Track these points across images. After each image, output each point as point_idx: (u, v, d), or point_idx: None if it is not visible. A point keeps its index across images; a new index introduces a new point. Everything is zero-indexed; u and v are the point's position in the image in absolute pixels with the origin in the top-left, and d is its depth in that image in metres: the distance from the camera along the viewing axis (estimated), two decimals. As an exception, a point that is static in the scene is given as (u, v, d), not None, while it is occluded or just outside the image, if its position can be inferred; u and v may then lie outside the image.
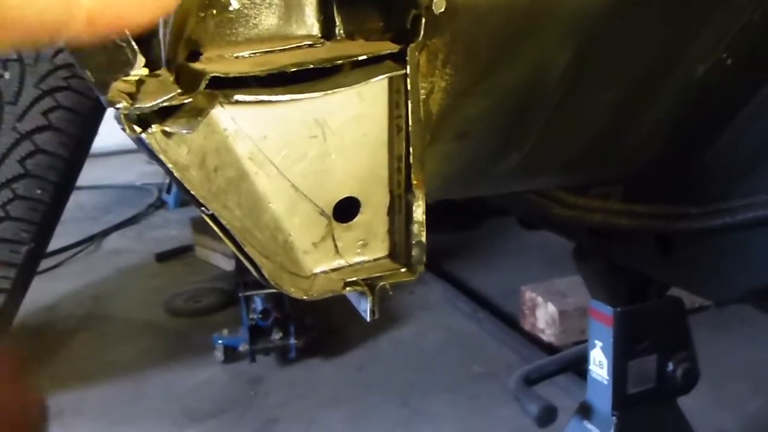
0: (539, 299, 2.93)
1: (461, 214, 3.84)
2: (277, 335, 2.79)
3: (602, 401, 1.30)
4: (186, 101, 0.49)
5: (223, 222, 0.53)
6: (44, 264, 3.45)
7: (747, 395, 2.41)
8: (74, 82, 2.36)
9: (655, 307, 1.26)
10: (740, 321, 2.81)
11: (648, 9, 0.72)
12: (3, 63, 2.26)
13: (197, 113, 0.50)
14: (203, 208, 0.52)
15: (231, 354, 2.88)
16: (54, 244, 3.23)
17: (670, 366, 1.28)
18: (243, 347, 2.79)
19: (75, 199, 2.86)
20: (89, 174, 3.67)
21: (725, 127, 0.90)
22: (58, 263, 4.13)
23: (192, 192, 0.51)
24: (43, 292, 3.54)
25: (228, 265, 3.81)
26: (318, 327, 2.92)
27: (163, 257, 4.20)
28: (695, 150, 0.92)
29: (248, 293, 2.86)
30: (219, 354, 2.90)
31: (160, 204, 5.34)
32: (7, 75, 2.24)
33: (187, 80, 0.50)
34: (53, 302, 3.60)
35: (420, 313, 3.24)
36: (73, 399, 2.72)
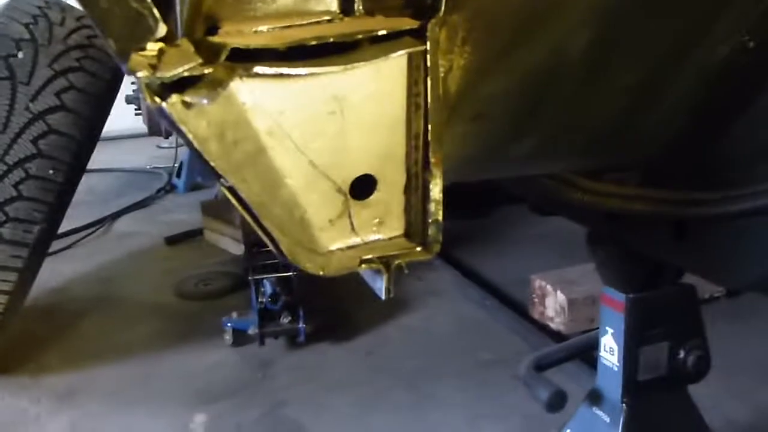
0: (549, 288, 2.93)
1: (472, 202, 3.83)
2: (286, 319, 2.80)
3: (612, 388, 1.29)
4: (206, 72, 0.49)
5: (242, 195, 0.52)
6: (55, 245, 3.47)
7: (758, 386, 2.40)
8: (87, 63, 2.37)
9: (667, 294, 1.25)
10: (752, 312, 2.80)
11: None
12: (16, 43, 2.27)
13: (217, 84, 0.50)
14: (222, 180, 0.52)
15: (240, 337, 2.90)
16: (65, 227, 3.25)
17: (682, 354, 1.27)
18: (252, 330, 2.80)
19: (86, 183, 2.87)
20: (100, 157, 3.68)
21: (744, 111, 0.89)
22: (68, 245, 4.15)
23: (211, 163, 0.51)
24: (54, 273, 3.57)
25: (237, 249, 3.82)
26: (327, 311, 2.92)
27: (172, 240, 4.22)
28: (713, 134, 0.91)
29: (258, 277, 2.86)
30: (228, 337, 2.91)
31: (169, 188, 5.36)
32: (20, 55, 2.24)
33: (207, 52, 0.50)
34: (64, 284, 3.62)
35: (429, 299, 3.24)
36: (84, 379, 2.74)
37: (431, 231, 0.61)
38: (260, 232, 0.54)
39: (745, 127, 0.88)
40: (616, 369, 1.27)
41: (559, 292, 2.87)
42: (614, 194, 1.01)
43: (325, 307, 2.93)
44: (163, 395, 2.63)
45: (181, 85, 0.48)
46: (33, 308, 3.11)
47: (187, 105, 0.48)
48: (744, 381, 2.40)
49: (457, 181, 0.87)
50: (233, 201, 0.52)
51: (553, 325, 2.91)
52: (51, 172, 2.30)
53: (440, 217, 0.61)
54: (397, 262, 0.62)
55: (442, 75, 0.62)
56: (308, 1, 0.59)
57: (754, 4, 0.77)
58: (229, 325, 2.90)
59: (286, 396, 2.56)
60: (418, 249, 0.63)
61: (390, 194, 0.63)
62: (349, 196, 0.61)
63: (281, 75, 0.52)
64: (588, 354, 1.46)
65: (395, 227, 0.64)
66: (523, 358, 1.52)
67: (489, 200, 3.92)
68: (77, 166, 2.46)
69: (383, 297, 0.63)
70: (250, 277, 2.89)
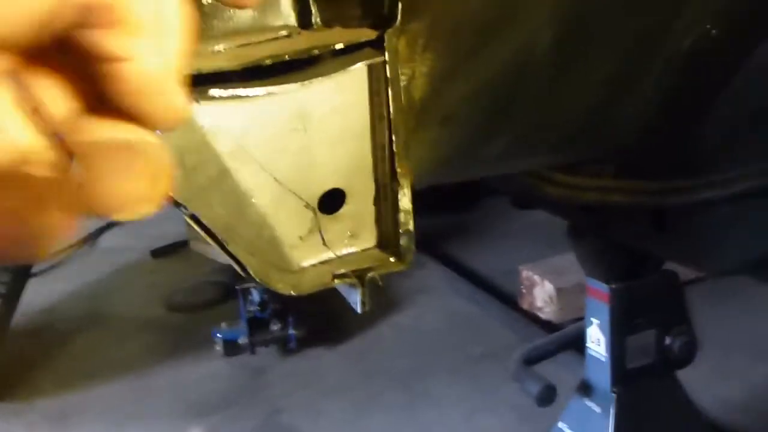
0: (536, 278, 2.93)
1: (456, 196, 3.83)
2: (276, 326, 2.79)
3: (601, 378, 1.29)
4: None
5: (204, 221, 0.52)
6: (40, 265, 3.43)
7: (750, 364, 2.42)
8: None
9: (650, 282, 1.26)
10: (738, 290, 2.81)
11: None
12: None
13: (172, 111, 0.49)
14: (182, 209, 0.51)
15: (231, 347, 2.88)
16: (49, 246, 3.21)
17: (668, 340, 1.28)
18: (242, 340, 2.78)
19: (67, 200, 2.83)
20: (81, 173, 3.63)
21: (714, 99, 0.89)
22: (53, 264, 4.12)
23: (170, 192, 0.50)
24: (41, 294, 3.53)
25: (224, 259, 3.79)
26: (317, 316, 2.91)
27: (159, 253, 4.18)
28: (685, 123, 0.91)
29: (245, 285, 2.85)
30: (219, 348, 2.90)
31: (153, 200, 5.32)
32: None
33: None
34: (51, 304, 3.59)
35: (419, 296, 3.24)
36: (77, 400, 2.72)
37: (403, 241, 0.61)
38: (228, 257, 0.53)
39: (715, 114, 0.88)
40: (603, 359, 1.28)
41: (547, 282, 2.88)
42: (591, 187, 1.01)
43: (315, 312, 2.92)
44: (157, 410, 2.62)
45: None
46: (22, 331, 3.08)
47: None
48: (734, 361, 2.42)
49: (432, 184, 0.87)
50: (197, 228, 0.52)
51: (543, 315, 2.92)
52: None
53: (411, 227, 0.61)
54: (371, 274, 0.61)
55: (404, 83, 0.62)
56: (266, 16, 0.59)
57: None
58: (219, 335, 2.88)
59: (281, 404, 2.55)
60: (392, 260, 0.63)
61: (360, 206, 0.62)
62: (318, 211, 0.60)
63: (239, 96, 0.52)
64: (578, 344, 1.47)
65: (368, 239, 0.64)
66: (514, 350, 1.53)
67: (473, 194, 3.92)
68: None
69: (359, 311, 0.62)
70: (237, 286, 2.87)
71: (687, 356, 1.29)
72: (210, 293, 3.49)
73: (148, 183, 0.29)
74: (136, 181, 0.28)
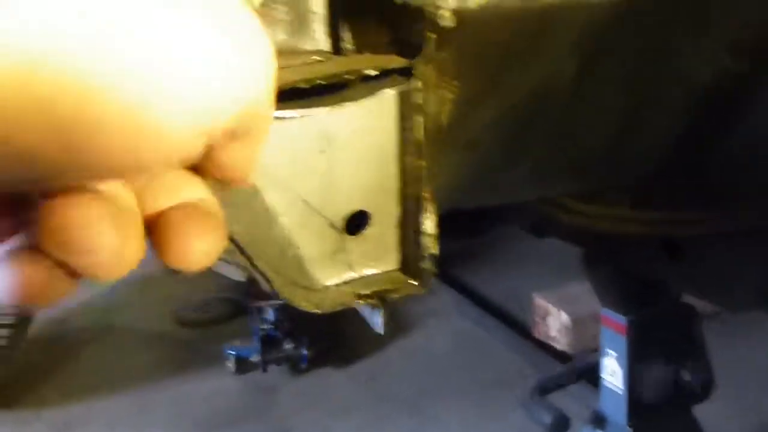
0: (551, 307, 2.92)
1: (471, 221, 3.83)
2: (288, 345, 2.79)
3: (617, 411, 1.29)
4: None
5: (235, 237, 0.53)
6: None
7: (767, 402, 2.39)
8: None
9: (668, 315, 1.25)
10: (755, 326, 2.79)
11: (652, 15, 0.73)
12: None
13: (208, 131, 0.50)
14: (215, 224, 0.52)
15: (243, 364, 2.89)
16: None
17: (685, 374, 1.27)
18: (255, 357, 2.79)
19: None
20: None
21: (733, 130, 0.89)
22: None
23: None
24: (54, 305, 3.55)
25: (238, 276, 3.82)
26: (329, 336, 2.92)
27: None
28: (703, 154, 0.92)
29: (259, 303, 2.86)
30: (230, 364, 2.90)
31: (169, 215, 5.36)
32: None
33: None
34: (63, 315, 3.62)
35: (430, 320, 3.24)
36: (83, 411, 2.73)
37: (426, 264, 0.62)
38: (255, 273, 0.54)
39: (733, 146, 0.89)
40: (620, 392, 1.27)
41: (562, 312, 2.86)
42: (606, 216, 1.02)
43: (327, 332, 2.92)
44: (165, 425, 2.62)
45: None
46: (34, 340, 3.10)
47: (178, 151, 0.49)
48: (751, 397, 2.39)
49: (451, 208, 0.88)
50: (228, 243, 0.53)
51: (557, 345, 2.90)
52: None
53: (435, 251, 0.62)
54: (392, 296, 0.62)
55: (431, 109, 0.63)
56: (298, 40, 0.61)
57: (733, 28, 0.78)
58: (231, 352, 2.89)
59: (290, 422, 2.55)
60: (414, 282, 0.63)
61: (384, 229, 0.63)
62: (343, 231, 0.61)
63: (273, 118, 0.53)
64: (592, 375, 1.46)
65: (390, 261, 0.64)
66: (525, 378, 1.52)
67: (487, 219, 3.92)
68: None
69: (381, 331, 0.63)
70: (251, 304, 2.89)
71: (704, 391, 1.28)
72: (220, 310, 3.50)
73: (215, 236, 0.32)
74: (206, 236, 0.32)
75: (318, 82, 0.53)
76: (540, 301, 2.97)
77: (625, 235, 1.03)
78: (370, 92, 0.57)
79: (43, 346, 3.25)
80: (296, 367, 2.85)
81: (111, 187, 0.29)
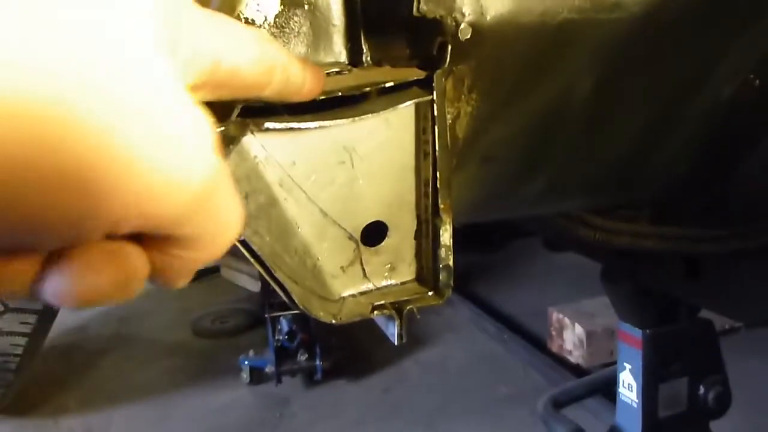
0: (567, 320, 2.90)
1: (487, 235, 3.82)
2: (303, 356, 2.80)
3: (632, 425, 1.28)
4: (218, 130, 0.50)
5: (254, 248, 0.53)
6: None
7: (782, 420, 2.36)
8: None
9: (685, 329, 1.24)
10: (773, 343, 2.76)
11: (673, 32, 0.73)
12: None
13: (229, 141, 0.51)
14: (234, 234, 0.53)
15: (257, 375, 2.89)
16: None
17: (702, 389, 1.25)
18: (269, 368, 2.79)
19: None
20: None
21: (753, 148, 0.89)
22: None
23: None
24: (72, 313, 3.59)
25: (254, 286, 3.83)
26: (344, 348, 2.92)
27: (189, 278, 4.23)
28: (722, 172, 0.92)
29: (274, 314, 2.87)
30: (245, 375, 2.91)
31: (186, 225, 5.38)
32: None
33: (218, 109, 0.52)
34: (81, 323, 3.65)
35: (446, 334, 3.23)
36: (101, 419, 2.74)
37: (442, 276, 0.62)
38: (272, 283, 0.55)
39: (754, 163, 0.88)
40: (635, 405, 1.26)
41: (577, 325, 2.85)
42: (625, 232, 1.01)
43: (342, 344, 2.92)
44: (180, 435, 2.63)
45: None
46: (52, 348, 3.13)
47: (200, 162, 0.49)
48: (767, 415, 2.36)
49: (467, 222, 0.88)
50: (246, 254, 0.53)
51: (572, 359, 2.88)
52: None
53: (451, 263, 0.62)
54: (408, 307, 0.62)
55: (449, 122, 0.64)
56: (318, 53, 0.61)
57: (760, 43, 0.78)
58: (246, 363, 2.90)
59: (303, 434, 2.55)
60: (430, 294, 0.63)
61: (401, 240, 0.64)
62: (360, 243, 0.62)
63: (291, 129, 0.54)
64: (607, 389, 1.45)
65: (407, 272, 0.65)
66: (541, 393, 1.51)
67: (504, 233, 3.92)
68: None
69: (396, 342, 0.63)
70: (266, 315, 2.89)
71: (720, 407, 1.27)
72: (237, 320, 3.52)
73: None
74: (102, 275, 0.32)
75: (337, 93, 0.54)
76: (555, 315, 2.96)
77: (643, 251, 1.03)
78: (389, 104, 0.57)
79: (61, 354, 3.27)
80: (311, 378, 2.85)
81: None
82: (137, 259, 0.32)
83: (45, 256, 0.30)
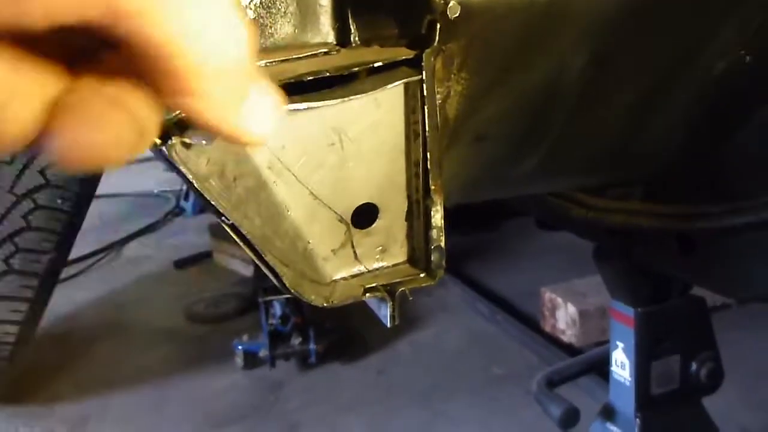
0: (559, 300, 2.92)
1: (480, 216, 3.82)
2: (296, 340, 2.80)
3: (625, 403, 1.28)
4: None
5: (244, 231, 0.53)
6: (65, 272, 3.48)
7: (774, 394, 2.38)
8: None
9: (677, 307, 1.25)
10: (765, 319, 2.78)
11: (664, 8, 0.72)
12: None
13: (216, 124, 0.50)
14: (223, 218, 0.52)
15: (251, 359, 2.89)
16: (75, 253, 3.27)
17: (694, 366, 1.26)
18: (263, 353, 2.80)
19: (94, 208, 2.91)
20: (107, 183, 3.70)
21: (744, 124, 0.89)
22: (78, 272, 4.17)
23: (212, 202, 0.51)
24: (65, 300, 3.58)
25: (247, 271, 3.83)
26: (337, 331, 2.92)
27: (181, 264, 4.22)
28: (714, 148, 0.91)
29: (267, 298, 2.87)
30: (239, 360, 2.91)
31: (178, 211, 5.37)
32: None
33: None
34: (75, 310, 3.64)
35: (439, 315, 3.23)
36: (97, 406, 2.74)
37: (434, 257, 0.62)
38: (263, 267, 0.54)
39: (745, 140, 0.88)
40: (628, 384, 1.27)
41: (569, 305, 2.86)
42: (618, 210, 1.01)
43: (335, 327, 2.92)
44: (175, 420, 2.63)
45: (180, 126, 0.48)
46: (45, 336, 3.12)
47: (186, 146, 0.49)
48: (760, 390, 2.38)
49: (460, 202, 0.88)
50: (236, 238, 0.53)
51: (564, 338, 2.90)
52: (59, 201, 2.31)
53: (442, 243, 0.62)
54: (401, 289, 0.62)
55: (439, 102, 0.63)
56: (305, 33, 0.60)
57: (751, 20, 0.77)
58: (239, 347, 2.90)
59: (298, 418, 2.56)
60: (422, 275, 0.63)
61: (392, 222, 0.63)
62: (351, 225, 0.61)
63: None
64: (601, 368, 1.46)
65: (398, 254, 0.64)
66: (535, 372, 1.52)
67: (496, 214, 3.92)
68: (85, 194, 2.47)
69: (389, 324, 0.63)
70: (259, 299, 2.89)
71: (713, 383, 1.28)
72: (231, 305, 3.52)
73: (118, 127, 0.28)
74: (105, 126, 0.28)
75: (326, 74, 0.53)
76: (548, 295, 2.97)
77: (636, 229, 1.03)
78: (379, 84, 0.56)
79: (55, 341, 3.27)
80: (305, 362, 2.85)
81: None
82: (143, 101, 0.28)
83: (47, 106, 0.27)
